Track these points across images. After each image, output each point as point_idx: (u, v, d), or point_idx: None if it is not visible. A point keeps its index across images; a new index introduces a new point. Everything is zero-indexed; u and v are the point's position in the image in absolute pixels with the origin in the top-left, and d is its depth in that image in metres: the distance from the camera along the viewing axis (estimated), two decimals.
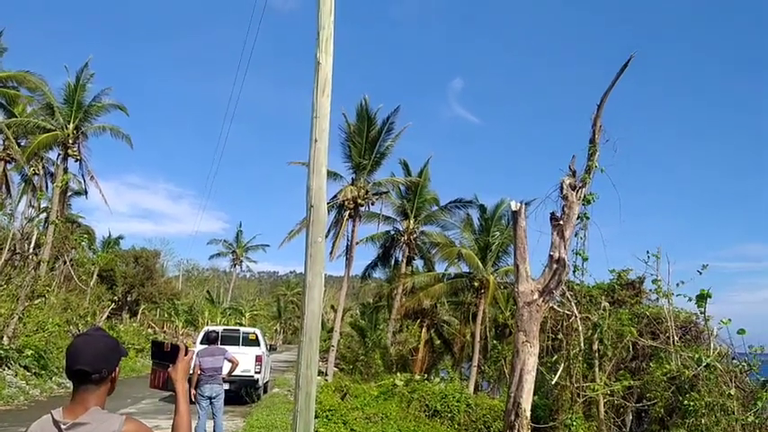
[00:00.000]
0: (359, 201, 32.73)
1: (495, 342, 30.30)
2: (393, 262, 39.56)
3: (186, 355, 2.86)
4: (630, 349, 13.37)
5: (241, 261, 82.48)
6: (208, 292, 77.73)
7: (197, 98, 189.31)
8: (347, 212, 32.89)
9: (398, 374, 22.36)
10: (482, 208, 35.46)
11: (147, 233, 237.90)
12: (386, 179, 35.10)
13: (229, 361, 11.21)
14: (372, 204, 34.30)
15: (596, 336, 12.16)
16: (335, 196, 32.37)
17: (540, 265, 10.06)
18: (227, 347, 12.32)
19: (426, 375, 26.07)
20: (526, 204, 10.32)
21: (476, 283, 33.35)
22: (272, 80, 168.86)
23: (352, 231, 33.99)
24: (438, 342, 40.42)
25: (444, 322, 40.75)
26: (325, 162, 7.27)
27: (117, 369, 2.55)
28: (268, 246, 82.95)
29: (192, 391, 10.64)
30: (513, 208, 10.04)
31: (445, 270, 36.99)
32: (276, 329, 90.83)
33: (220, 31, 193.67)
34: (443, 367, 36.67)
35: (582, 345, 11.72)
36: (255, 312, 75.80)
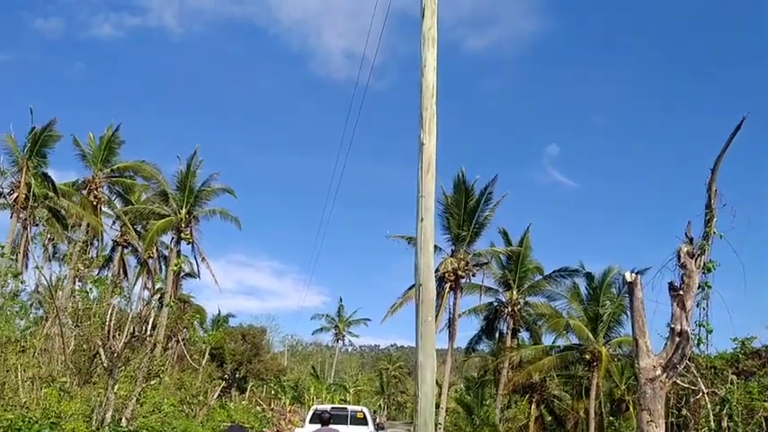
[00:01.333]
0: (459, 272, 32.51)
1: (611, 419, 28.70)
2: (497, 334, 38.69)
3: None
4: (763, 425, 12.34)
5: (343, 335, 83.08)
6: (312, 367, 78.34)
7: (298, 177, 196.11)
8: (448, 285, 32.68)
9: None
10: (589, 276, 34.22)
11: (252, 310, 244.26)
12: (486, 249, 34.80)
13: None
14: (473, 276, 34.02)
15: (725, 412, 11.31)
16: (436, 269, 32.28)
17: (657, 337, 9.53)
18: (338, 427, 12.25)
19: None
20: (640, 273, 9.88)
21: (587, 356, 31.94)
22: (368, 155, 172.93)
23: (454, 304, 33.69)
24: (549, 419, 38.69)
25: (555, 397, 39.09)
26: (432, 240, 7.30)
27: None
28: (369, 320, 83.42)
29: None
30: (629, 279, 9.61)
31: (553, 342, 35.77)
32: (380, 405, 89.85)
33: (313, 111, 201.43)
34: None
35: (712, 423, 10.93)
36: (359, 388, 75.48)
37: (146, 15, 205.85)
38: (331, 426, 11.71)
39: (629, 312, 10.06)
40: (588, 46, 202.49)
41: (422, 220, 7.14)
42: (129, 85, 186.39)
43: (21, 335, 18.36)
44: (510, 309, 36.56)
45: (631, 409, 29.78)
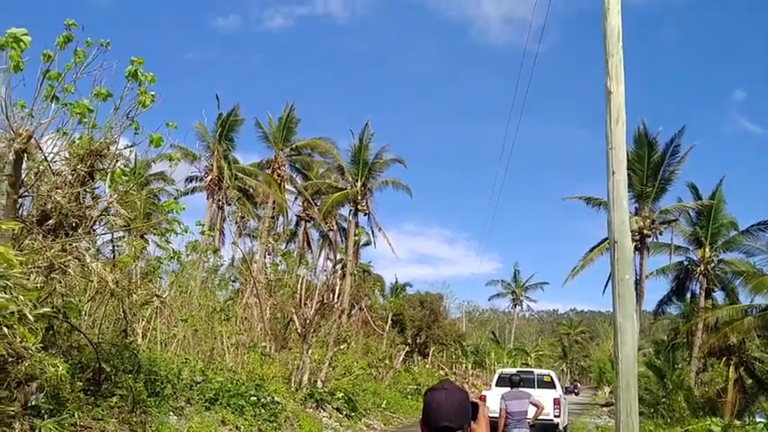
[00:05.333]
0: (645, 231, 30.85)
1: None
2: (689, 295, 36.31)
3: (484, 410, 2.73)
4: None
5: (521, 300, 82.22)
6: (492, 332, 78.43)
7: (465, 144, 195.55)
8: (633, 245, 31.11)
9: (711, 419, 20.21)
10: None
11: (426, 277, 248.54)
12: (673, 206, 32.65)
13: (534, 405, 10.99)
14: (660, 234, 32.06)
15: None
16: None
17: None
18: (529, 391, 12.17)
19: (739, 420, 23.20)
20: None
21: None
22: (537, 117, 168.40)
23: (641, 265, 32.04)
24: (749, 382, 35.80)
25: (756, 359, 36.09)
26: (626, 194, 6.92)
27: (472, 424, 2.51)
28: (547, 284, 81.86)
29: None
30: None
31: (751, 301, 32.92)
32: (563, 370, 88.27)
33: (476, 78, 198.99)
34: (759, 410, 32.32)
35: None
36: (540, 353, 74.57)
37: (313, 4, 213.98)
38: (521, 388, 11.62)
39: None
40: None
41: (613, 173, 6.76)
42: (302, 69, 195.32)
43: (225, 305, 19.97)
44: (702, 267, 34.06)
45: None
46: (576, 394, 64.24)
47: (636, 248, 30.93)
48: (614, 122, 6.79)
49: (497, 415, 10.73)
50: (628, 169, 25.65)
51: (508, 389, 11.62)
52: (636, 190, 31.06)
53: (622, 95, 6.87)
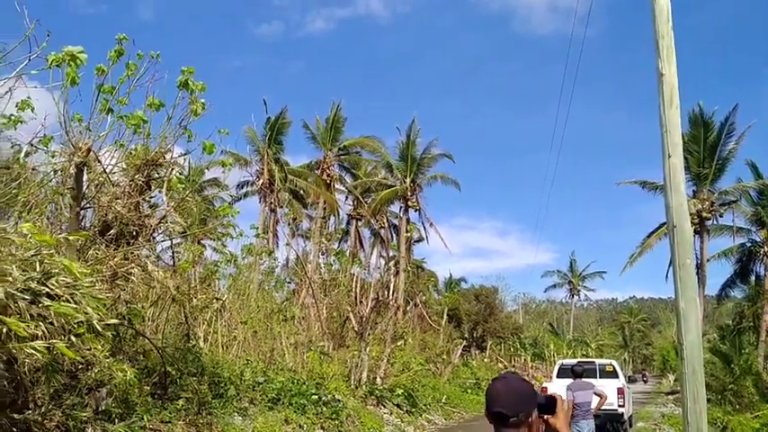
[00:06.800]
0: (704, 214, 30.07)
1: None
2: (753, 278, 35.19)
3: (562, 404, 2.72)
4: None
5: (578, 290, 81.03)
6: (549, 324, 77.51)
7: (512, 134, 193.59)
8: (692, 228, 30.32)
9: None
10: None
11: (479, 270, 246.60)
12: (733, 186, 31.69)
13: (597, 395, 10.84)
14: (721, 216, 31.17)
15: None
16: None
17: None
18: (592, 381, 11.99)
19: None
20: None
21: None
22: (585, 104, 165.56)
23: (701, 249, 31.23)
24: None
25: None
26: (683, 177, 6.75)
27: (533, 416, 2.52)
28: (605, 272, 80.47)
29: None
30: None
31: None
32: (625, 359, 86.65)
33: (521, 68, 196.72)
34: None
35: None
36: (601, 342, 73.30)
37: (354, 5, 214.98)
38: (584, 379, 11.46)
39: None
40: None
41: (669, 156, 6.60)
42: (346, 69, 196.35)
43: (282, 305, 20.24)
44: (767, 248, 33.02)
45: None
46: (645, 382, 63.48)
47: (695, 232, 30.14)
48: (668, 105, 6.63)
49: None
50: (683, 151, 25.03)
51: (569, 380, 11.48)
52: (693, 172, 30.29)
53: (675, 77, 6.70)
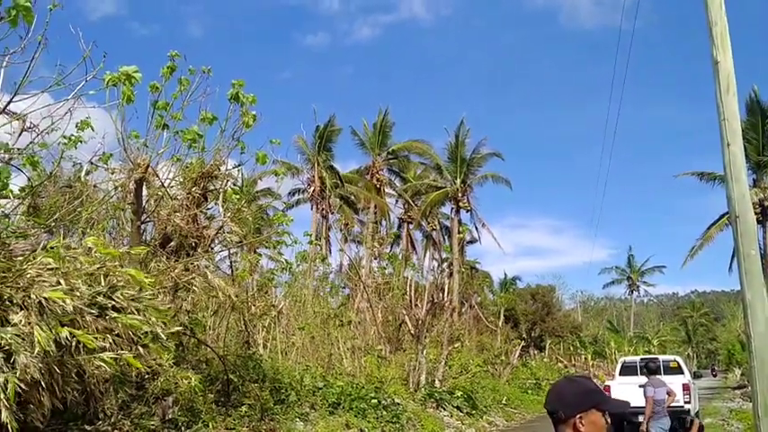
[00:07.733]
0: (766, 203, 29.05)
1: None
2: None
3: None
4: None
5: (637, 286, 79.33)
6: (609, 321, 76.04)
7: (561, 129, 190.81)
8: (755, 218, 29.40)
9: None
10: None
11: (535, 269, 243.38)
12: None
13: (667, 393, 10.62)
14: None
15: None
16: None
17: None
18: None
19: None
20: None
21: None
22: (638, 97, 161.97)
23: (764, 239, 30.20)
24: None
25: None
26: (744, 166, 6.58)
27: (584, 417, 2.48)
28: (665, 267, 78.62)
29: (643, 427, 10.35)
30: None
31: None
32: (688, 354, 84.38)
33: (569, 63, 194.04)
34: None
35: None
36: (663, 338, 71.55)
37: (397, 11, 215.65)
38: (658, 376, 11.25)
39: None
40: None
41: (728, 145, 6.44)
42: (392, 74, 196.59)
43: (338, 311, 20.41)
44: None
45: None
46: (715, 376, 61.99)
47: (758, 221, 29.19)
48: (724, 92, 6.48)
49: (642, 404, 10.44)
50: (742, 139, 24.18)
51: (631, 377, 11.28)
52: (752, 160, 29.35)
53: (731, 63, 6.55)
